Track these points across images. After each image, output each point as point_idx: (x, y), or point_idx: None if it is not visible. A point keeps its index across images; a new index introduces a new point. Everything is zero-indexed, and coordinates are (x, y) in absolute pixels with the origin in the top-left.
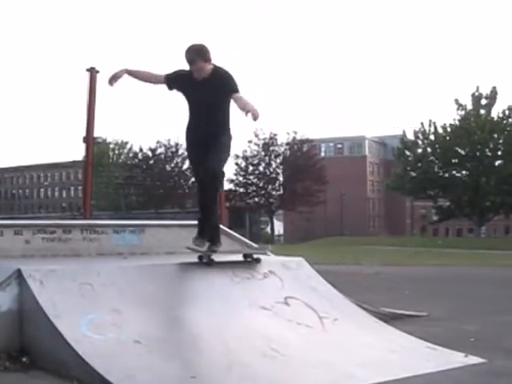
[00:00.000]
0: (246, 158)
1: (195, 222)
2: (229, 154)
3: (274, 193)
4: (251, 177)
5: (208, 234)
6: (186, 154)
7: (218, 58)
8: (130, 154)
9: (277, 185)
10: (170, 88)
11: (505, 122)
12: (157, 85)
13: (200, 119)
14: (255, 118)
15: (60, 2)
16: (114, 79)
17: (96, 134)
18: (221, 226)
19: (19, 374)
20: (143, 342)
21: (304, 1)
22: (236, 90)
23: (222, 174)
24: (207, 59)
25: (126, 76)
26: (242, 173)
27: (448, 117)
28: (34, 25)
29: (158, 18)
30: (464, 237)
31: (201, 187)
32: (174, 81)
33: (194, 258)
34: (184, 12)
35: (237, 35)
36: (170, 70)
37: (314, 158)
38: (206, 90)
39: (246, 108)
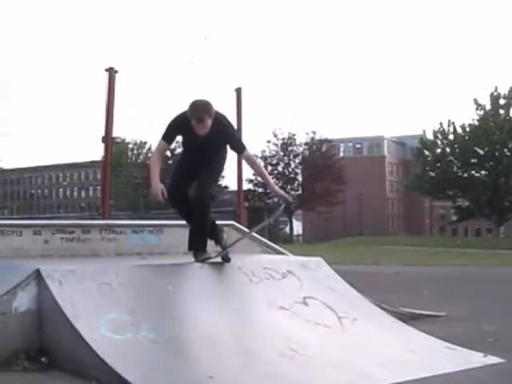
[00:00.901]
0: (264, 158)
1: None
2: (219, 175)
3: (292, 193)
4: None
5: (207, 238)
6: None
7: (240, 59)
8: (149, 154)
9: (296, 185)
10: (167, 142)
11: None
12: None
13: (193, 159)
14: (289, 202)
15: (80, 2)
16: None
17: (115, 134)
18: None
19: (38, 374)
20: (161, 341)
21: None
22: (242, 151)
23: (212, 196)
24: (212, 115)
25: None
26: None
27: (467, 117)
28: (54, 24)
29: (176, 18)
30: (483, 237)
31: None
32: (171, 137)
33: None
34: (203, 12)
35: (258, 34)
36: (166, 129)
37: (333, 158)
38: (207, 144)
39: (279, 195)
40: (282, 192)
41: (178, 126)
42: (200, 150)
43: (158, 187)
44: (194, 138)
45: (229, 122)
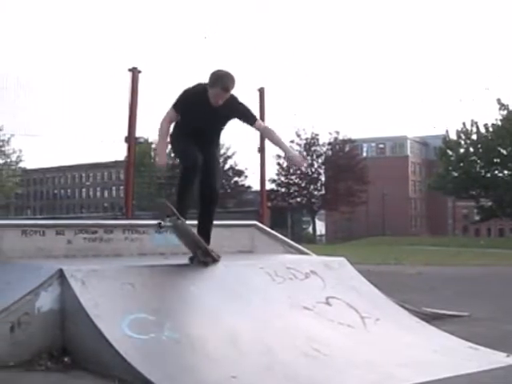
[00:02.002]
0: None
1: (237, 222)
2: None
3: (315, 193)
4: (293, 177)
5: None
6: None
7: (263, 59)
8: (172, 154)
9: (319, 185)
10: (178, 113)
11: None
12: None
13: (199, 134)
14: (300, 165)
15: (103, 2)
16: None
17: (138, 134)
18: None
19: (61, 374)
20: (184, 341)
21: (347, 1)
22: (254, 121)
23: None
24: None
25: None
26: (283, 173)
27: (490, 117)
28: (77, 25)
29: (199, 19)
30: (506, 237)
31: (203, 202)
32: (183, 108)
33: (236, 259)
34: (227, 12)
35: (281, 34)
36: (178, 98)
37: (356, 158)
38: (219, 117)
39: (293, 159)
40: (297, 157)
41: (193, 96)
42: (209, 123)
43: (163, 161)
44: (207, 109)
45: (238, 99)
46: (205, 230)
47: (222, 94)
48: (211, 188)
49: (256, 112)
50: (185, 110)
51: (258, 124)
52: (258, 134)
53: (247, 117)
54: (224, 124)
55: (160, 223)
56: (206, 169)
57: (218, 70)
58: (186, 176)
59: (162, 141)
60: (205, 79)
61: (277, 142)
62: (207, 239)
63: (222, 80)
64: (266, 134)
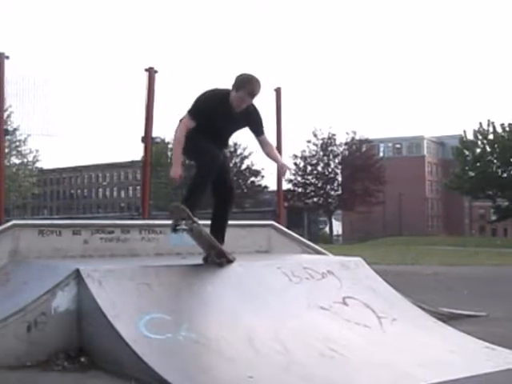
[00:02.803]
0: (304, 158)
1: (254, 222)
2: None
3: (332, 193)
4: (310, 177)
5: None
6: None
7: (280, 59)
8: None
9: (335, 185)
10: (196, 120)
11: None
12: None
13: (215, 138)
14: (284, 173)
15: (119, 2)
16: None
17: (154, 133)
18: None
19: (77, 373)
20: (201, 341)
21: (364, 2)
22: (262, 134)
23: None
24: None
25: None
26: (300, 173)
27: (507, 116)
28: (94, 25)
29: (216, 19)
30: None
31: (219, 199)
32: (202, 114)
33: (253, 259)
34: (245, 12)
35: (298, 34)
36: (196, 104)
37: (373, 158)
38: (236, 123)
39: (283, 167)
40: (283, 163)
41: (213, 101)
42: (227, 127)
43: (178, 172)
44: (226, 114)
45: (257, 108)
46: (220, 229)
47: (246, 99)
48: (229, 187)
49: (273, 112)
50: (203, 116)
51: (264, 137)
52: (274, 134)
53: (258, 127)
54: (240, 129)
55: (176, 226)
56: (222, 169)
57: (245, 74)
58: (204, 172)
59: (177, 151)
60: (221, 82)
61: (273, 157)
62: (222, 239)
63: (250, 85)
64: (267, 148)
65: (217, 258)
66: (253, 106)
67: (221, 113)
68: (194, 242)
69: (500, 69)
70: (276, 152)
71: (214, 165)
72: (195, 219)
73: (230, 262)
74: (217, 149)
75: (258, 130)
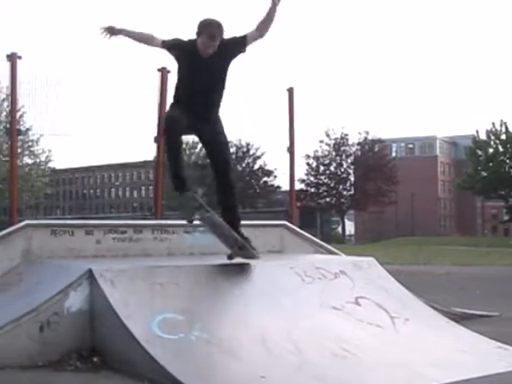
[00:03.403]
0: (317, 158)
1: (266, 222)
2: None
3: (345, 193)
4: (322, 177)
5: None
6: (255, 153)
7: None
8: (201, 154)
9: (348, 185)
10: (170, 51)
11: None
12: (152, 47)
13: (197, 97)
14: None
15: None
16: (109, 32)
17: None
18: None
19: (90, 373)
20: (214, 341)
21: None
22: (245, 35)
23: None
24: (222, 37)
25: (121, 36)
26: (313, 173)
27: None
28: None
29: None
30: None
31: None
32: (174, 47)
33: (266, 259)
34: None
35: (311, 33)
36: (171, 39)
37: (386, 158)
38: (210, 69)
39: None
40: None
41: (182, 43)
42: (203, 76)
43: (117, 27)
44: (197, 60)
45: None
46: (231, 209)
47: (208, 43)
48: (223, 160)
49: (285, 112)
50: (172, 51)
51: (249, 35)
52: (287, 134)
53: (237, 42)
54: (220, 77)
55: (191, 219)
56: (213, 145)
57: (205, 18)
58: (167, 142)
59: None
60: (233, 80)
61: (265, 15)
62: (236, 220)
63: (209, 27)
64: (261, 27)
65: (239, 251)
66: (222, 42)
67: (191, 58)
68: (214, 235)
69: None
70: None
71: (170, 126)
72: (208, 209)
73: (252, 254)
74: (184, 119)
75: (239, 44)
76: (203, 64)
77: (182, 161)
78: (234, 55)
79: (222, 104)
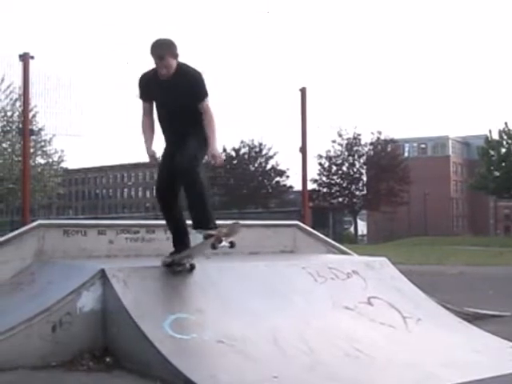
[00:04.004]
0: (329, 158)
1: (279, 222)
2: (202, 154)
3: (357, 193)
4: (335, 177)
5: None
6: (267, 153)
7: (305, 58)
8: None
9: (360, 185)
10: (143, 95)
11: None
12: (150, 120)
13: (166, 122)
14: (216, 162)
15: (144, 2)
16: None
17: None
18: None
19: (103, 373)
20: (226, 341)
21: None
22: (202, 99)
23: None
24: (176, 55)
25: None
26: (325, 173)
27: None
28: (118, 23)
29: (240, 18)
30: None
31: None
32: (144, 94)
33: (278, 259)
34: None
35: (323, 34)
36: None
37: (398, 158)
38: (172, 91)
39: (212, 151)
40: (217, 152)
41: (143, 83)
42: (169, 101)
43: (148, 153)
44: (160, 85)
45: (194, 70)
46: (194, 207)
47: (158, 64)
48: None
49: (298, 112)
50: (145, 96)
51: (202, 105)
52: (299, 134)
53: (193, 91)
54: (186, 98)
55: (214, 245)
56: (177, 149)
57: (155, 39)
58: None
59: (143, 135)
60: (246, 79)
61: (209, 132)
62: (199, 215)
63: (154, 48)
64: (205, 120)
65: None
66: (180, 65)
67: (155, 86)
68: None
69: None
70: (212, 130)
71: (160, 201)
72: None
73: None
74: (167, 168)
75: (194, 95)
76: (163, 86)
77: (177, 222)
78: (188, 93)
79: (198, 126)
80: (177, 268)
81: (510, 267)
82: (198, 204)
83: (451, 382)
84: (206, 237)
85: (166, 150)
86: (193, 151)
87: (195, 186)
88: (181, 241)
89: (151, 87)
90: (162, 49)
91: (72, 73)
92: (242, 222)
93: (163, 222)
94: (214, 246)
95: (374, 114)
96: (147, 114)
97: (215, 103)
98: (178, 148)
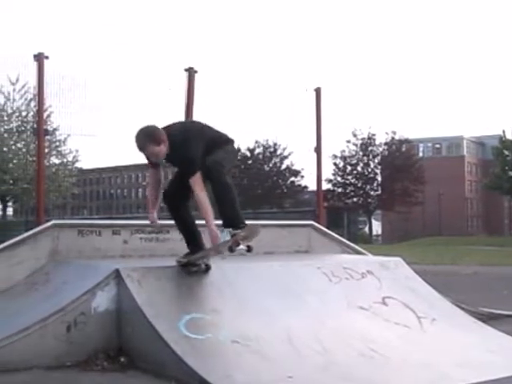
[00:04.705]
0: (344, 158)
1: (294, 222)
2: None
3: (372, 193)
4: (349, 177)
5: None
6: (282, 153)
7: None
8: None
9: (375, 185)
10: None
11: None
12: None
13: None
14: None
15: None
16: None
17: None
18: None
19: (117, 373)
20: (241, 341)
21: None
22: (190, 175)
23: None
24: (160, 140)
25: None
26: (340, 173)
27: None
28: (135, 24)
29: (256, 19)
30: None
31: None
32: (152, 163)
33: (293, 259)
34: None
35: (338, 34)
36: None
37: (413, 158)
38: (172, 163)
39: (212, 235)
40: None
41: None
42: (177, 170)
43: (149, 219)
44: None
45: (184, 140)
46: (223, 207)
47: (146, 155)
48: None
49: (312, 112)
50: (154, 162)
51: (192, 181)
52: (314, 134)
53: (182, 167)
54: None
55: (231, 248)
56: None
57: (137, 131)
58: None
59: (148, 192)
60: (260, 81)
61: (202, 214)
62: (228, 213)
63: (136, 142)
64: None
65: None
66: (177, 145)
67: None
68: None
69: None
70: (206, 212)
71: (164, 200)
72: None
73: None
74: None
75: (183, 170)
76: (168, 161)
77: (185, 222)
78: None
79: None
80: (192, 268)
81: None
82: (227, 203)
83: (466, 382)
84: (234, 236)
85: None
86: (219, 158)
87: (224, 188)
88: (193, 241)
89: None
90: (141, 141)
91: (87, 72)
92: (257, 222)
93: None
94: (231, 249)
95: (389, 114)
96: (152, 176)
97: (230, 104)
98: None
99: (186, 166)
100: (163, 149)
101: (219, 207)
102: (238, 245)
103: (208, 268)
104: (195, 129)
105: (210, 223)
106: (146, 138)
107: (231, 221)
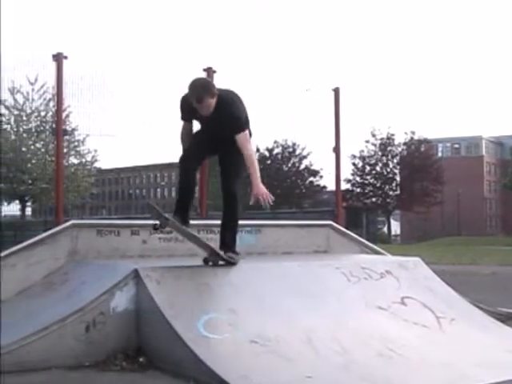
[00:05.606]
0: (363, 158)
1: (313, 222)
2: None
3: (391, 193)
4: (368, 177)
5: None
6: (301, 153)
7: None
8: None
9: (394, 185)
10: (189, 116)
11: None
12: (188, 131)
13: (212, 140)
14: (264, 202)
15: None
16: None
17: None
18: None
19: (136, 373)
20: (260, 341)
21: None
22: (237, 132)
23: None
24: (214, 94)
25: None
26: (359, 173)
27: None
28: (151, 24)
29: (274, 19)
30: None
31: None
32: (185, 116)
33: (312, 259)
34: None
35: (357, 34)
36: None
37: (431, 158)
38: (212, 123)
39: (254, 193)
40: (262, 192)
41: (185, 107)
42: (210, 131)
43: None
44: (202, 118)
45: (233, 100)
46: (224, 229)
47: (199, 106)
48: (223, 187)
49: (331, 112)
50: (186, 118)
51: (237, 137)
52: (333, 134)
53: (228, 125)
54: (226, 130)
55: (155, 225)
56: (220, 168)
57: (192, 81)
58: (179, 174)
59: (181, 143)
60: (279, 81)
61: (249, 168)
62: (226, 239)
63: (195, 91)
64: (242, 153)
65: (211, 257)
66: (221, 101)
67: (198, 115)
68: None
69: None
70: (252, 165)
71: (181, 164)
72: (166, 215)
73: (224, 260)
74: (199, 150)
75: (232, 131)
76: (208, 120)
77: (188, 191)
78: (229, 128)
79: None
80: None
81: None
82: (231, 229)
83: (484, 382)
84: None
85: (202, 134)
86: (237, 172)
87: (233, 218)
88: (183, 209)
89: (191, 113)
90: (200, 91)
91: (105, 72)
92: (276, 221)
93: (196, 221)
94: (207, 260)
95: (408, 114)
96: (187, 132)
97: (249, 104)
98: (218, 150)
99: (234, 123)
100: (213, 102)
101: (222, 229)
102: (217, 261)
103: (231, 262)
104: (240, 98)
105: (257, 182)
106: (204, 89)
107: (227, 247)
